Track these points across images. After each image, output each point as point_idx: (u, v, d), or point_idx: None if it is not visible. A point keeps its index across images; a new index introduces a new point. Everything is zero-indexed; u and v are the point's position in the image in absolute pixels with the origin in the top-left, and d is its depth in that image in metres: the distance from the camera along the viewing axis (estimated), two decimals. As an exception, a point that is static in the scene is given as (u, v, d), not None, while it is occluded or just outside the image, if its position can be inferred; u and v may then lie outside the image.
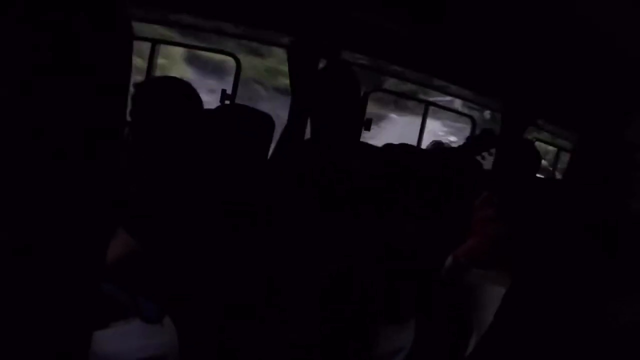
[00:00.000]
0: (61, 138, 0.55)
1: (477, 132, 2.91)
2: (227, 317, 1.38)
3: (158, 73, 2.43)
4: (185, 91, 1.57)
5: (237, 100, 2.45)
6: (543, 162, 2.47)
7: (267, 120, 1.95)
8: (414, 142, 3.05)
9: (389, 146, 1.95)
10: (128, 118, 1.58)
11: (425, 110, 2.83)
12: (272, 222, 1.46)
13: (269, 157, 1.90)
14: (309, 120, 1.75)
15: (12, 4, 0.49)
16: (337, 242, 1.46)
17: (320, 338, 1.42)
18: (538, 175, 2.33)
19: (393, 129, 11.67)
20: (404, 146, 2.11)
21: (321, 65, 1.83)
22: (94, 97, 0.55)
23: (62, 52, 0.50)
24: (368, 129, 1.88)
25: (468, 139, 2.33)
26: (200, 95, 1.59)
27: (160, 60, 2.48)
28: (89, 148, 0.57)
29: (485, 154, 2.07)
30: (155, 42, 2.26)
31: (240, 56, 2.51)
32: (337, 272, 1.45)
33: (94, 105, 0.55)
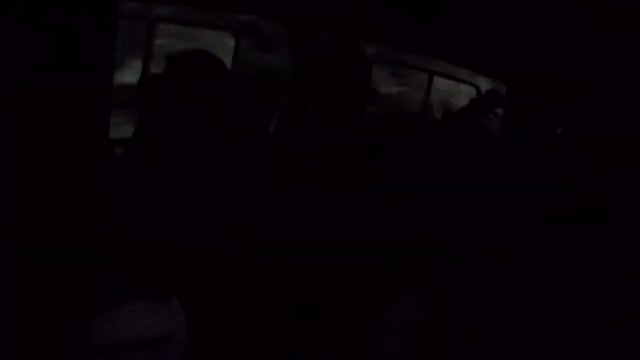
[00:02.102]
0: (60, 136, 0.55)
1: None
2: (234, 297, 1.40)
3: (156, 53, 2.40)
4: (219, 65, 1.55)
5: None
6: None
7: (268, 94, 1.93)
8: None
9: (390, 118, 1.94)
10: (153, 92, 1.56)
11: (430, 80, 2.79)
12: (273, 200, 1.47)
13: (270, 131, 1.89)
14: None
15: (12, 4, 0.48)
16: (341, 218, 1.47)
17: (333, 308, 1.45)
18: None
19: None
20: (404, 118, 2.10)
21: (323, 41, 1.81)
22: (92, 94, 0.55)
23: (62, 52, 0.50)
24: (372, 100, 1.87)
25: (472, 100, 2.30)
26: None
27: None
28: (84, 144, 0.57)
29: (491, 115, 2.08)
30: (152, 22, 2.22)
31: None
32: (344, 249, 1.46)
33: (90, 101, 0.55)
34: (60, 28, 0.46)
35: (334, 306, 1.46)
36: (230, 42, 2.45)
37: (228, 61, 2.52)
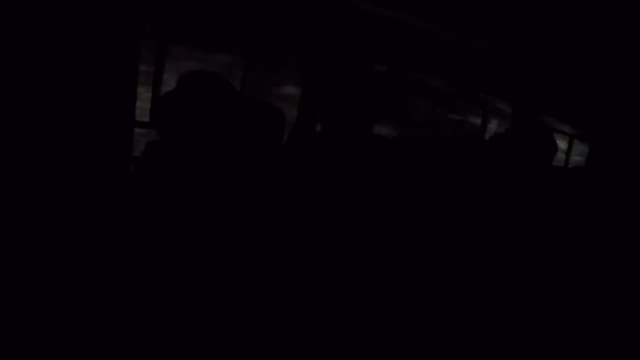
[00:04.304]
0: (66, 137, 0.56)
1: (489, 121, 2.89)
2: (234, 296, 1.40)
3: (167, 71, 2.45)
4: (227, 88, 1.58)
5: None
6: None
7: (277, 115, 1.95)
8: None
9: (399, 139, 1.94)
10: (165, 113, 1.59)
11: (435, 100, 2.81)
12: (283, 216, 1.47)
13: (279, 151, 1.90)
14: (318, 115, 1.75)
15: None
16: (348, 237, 1.47)
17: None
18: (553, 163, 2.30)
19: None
20: (414, 139, 2.11)
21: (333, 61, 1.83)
22: (100, 98, 0.56)
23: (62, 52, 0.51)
24: (377, 119, 1.89)
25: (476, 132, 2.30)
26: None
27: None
28: (97, 145, 0.58)
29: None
30: (163, 41, 2.27)
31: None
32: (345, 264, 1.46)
33: (100, 104, 0.56)
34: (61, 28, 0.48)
35: (333, 306, 1.45)
36: (241, 64, 2.51)
37: (237, 82, 2.57)
